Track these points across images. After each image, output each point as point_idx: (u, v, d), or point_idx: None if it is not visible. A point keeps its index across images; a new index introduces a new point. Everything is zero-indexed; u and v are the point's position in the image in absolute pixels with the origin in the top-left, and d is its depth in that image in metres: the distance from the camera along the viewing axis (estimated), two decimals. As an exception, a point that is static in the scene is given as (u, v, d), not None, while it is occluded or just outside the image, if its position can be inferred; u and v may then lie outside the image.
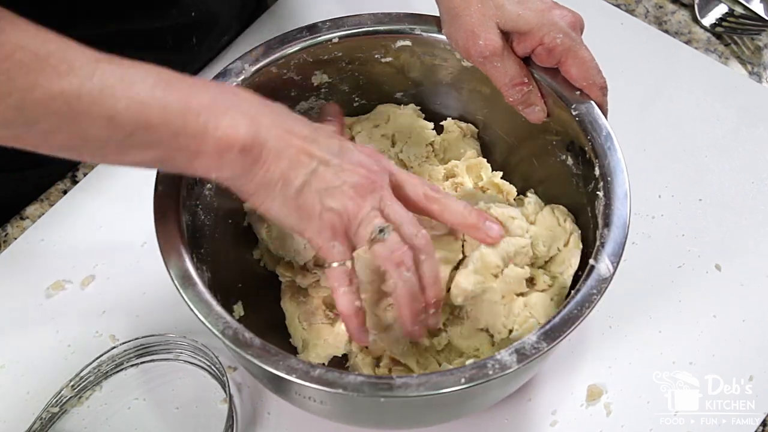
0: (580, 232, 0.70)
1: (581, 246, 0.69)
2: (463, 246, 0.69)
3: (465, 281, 0.67)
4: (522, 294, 0.70)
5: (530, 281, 0.71)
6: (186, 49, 0.90)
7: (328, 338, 0.71)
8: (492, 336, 0.70)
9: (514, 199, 0.78)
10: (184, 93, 0.56)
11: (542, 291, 0.70)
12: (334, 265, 0.60)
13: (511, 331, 0.68)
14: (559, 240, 0.71)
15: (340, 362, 0.72)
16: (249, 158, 0.57)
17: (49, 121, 0.53)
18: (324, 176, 0.59)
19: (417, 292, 0.61)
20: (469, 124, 0.81)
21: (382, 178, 0.61)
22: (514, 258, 0.69)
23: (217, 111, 0.56)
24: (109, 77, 0.54)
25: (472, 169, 0.79)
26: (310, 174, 0.58)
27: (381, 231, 0.59)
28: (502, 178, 0.78)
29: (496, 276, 0.68)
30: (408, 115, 0.80)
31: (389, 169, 0.63)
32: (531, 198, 0.73)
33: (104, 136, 0.55)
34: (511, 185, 0.78)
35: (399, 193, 0.63)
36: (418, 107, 0.81)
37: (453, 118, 0.81)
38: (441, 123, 0.81)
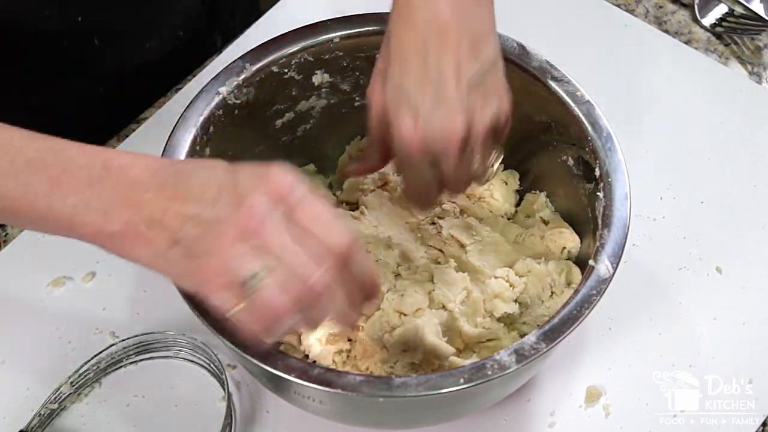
0: (573, 288, 0.69)
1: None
2: None
3: (469, 330, 0.69)
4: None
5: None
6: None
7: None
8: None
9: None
10: (53, 179, 0.53)
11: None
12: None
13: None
14: (545, 293, 0.72)
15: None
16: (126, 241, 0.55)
17: None
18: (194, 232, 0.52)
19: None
20: None
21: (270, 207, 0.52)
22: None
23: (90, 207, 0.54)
24: None
25: None
26: (182, 233, 0.52)
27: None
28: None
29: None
30: None
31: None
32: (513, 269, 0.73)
33: None
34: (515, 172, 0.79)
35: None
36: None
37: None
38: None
